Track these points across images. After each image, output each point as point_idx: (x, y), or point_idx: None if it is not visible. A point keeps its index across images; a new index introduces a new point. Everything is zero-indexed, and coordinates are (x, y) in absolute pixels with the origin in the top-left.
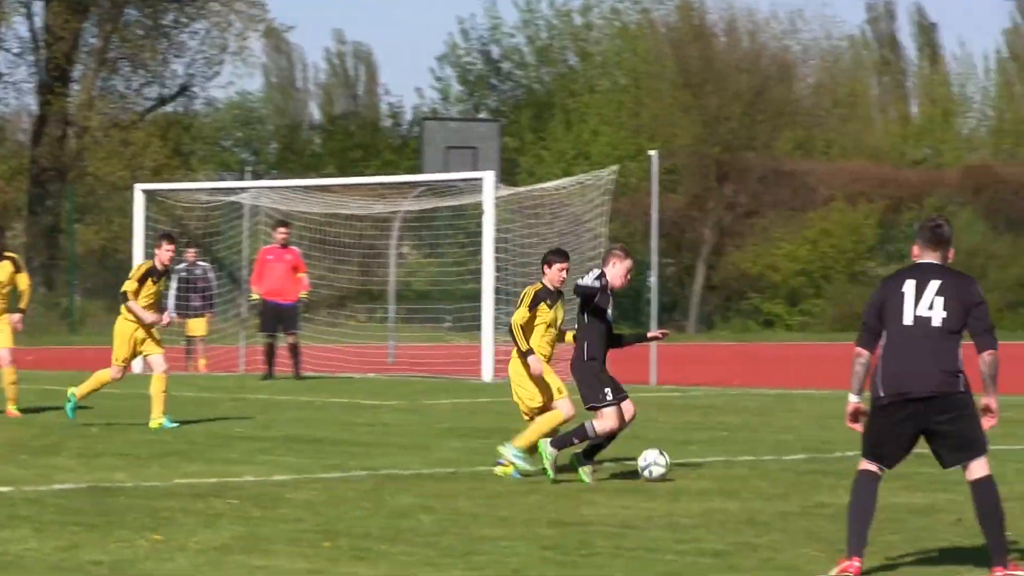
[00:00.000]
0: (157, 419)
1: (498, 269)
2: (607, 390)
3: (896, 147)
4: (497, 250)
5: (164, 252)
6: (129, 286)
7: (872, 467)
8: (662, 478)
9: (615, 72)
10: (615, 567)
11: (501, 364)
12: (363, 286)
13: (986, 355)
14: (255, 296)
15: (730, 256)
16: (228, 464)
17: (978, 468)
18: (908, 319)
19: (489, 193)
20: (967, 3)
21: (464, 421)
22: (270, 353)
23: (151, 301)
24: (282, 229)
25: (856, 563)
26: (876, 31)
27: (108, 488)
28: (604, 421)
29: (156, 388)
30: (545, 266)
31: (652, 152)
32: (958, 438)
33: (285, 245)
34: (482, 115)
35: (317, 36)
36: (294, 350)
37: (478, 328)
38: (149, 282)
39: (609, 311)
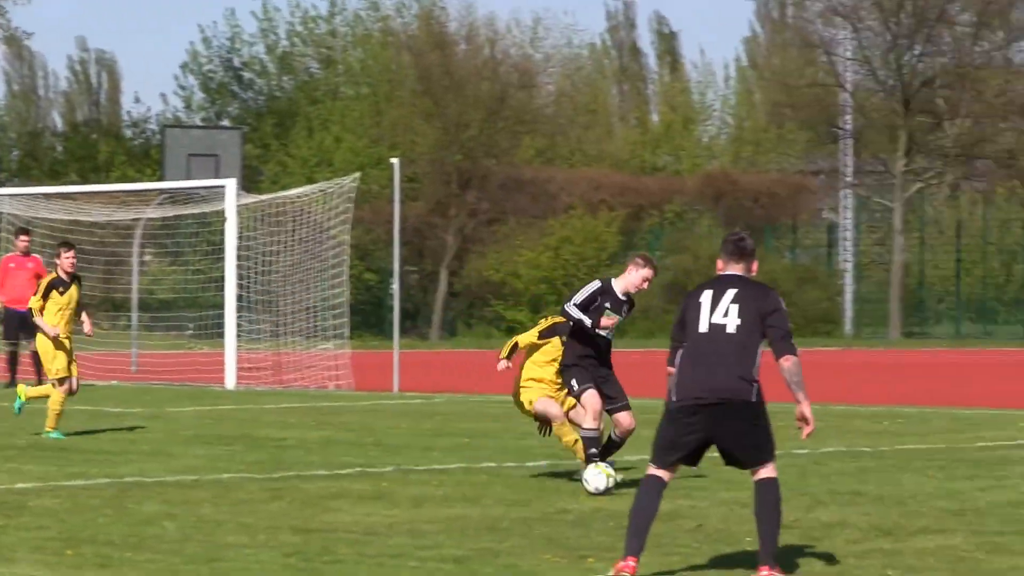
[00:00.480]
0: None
1: (240, 277)
2: (572, 380)
3: (637, 155)
4: (240, 258)
5: (65, 260)
6: (34, 303)
7: (659, 472)
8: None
9: (357, 80)
10: (358, 574)
11: (244, 372)
12: (106, 294)
13: (783, 361)
14: None
15: (473, 263)
16: None
17: (765, 471)
18: (703, 327)
19: (231, 201)
20: (707, 12)
21: (208, 428)
22: (12, 361)
23: (67, 313)
24: (23, 237)
25: (631, 563)
26: (616, 39)
27: None
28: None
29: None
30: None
31: (394, 160)
32: (749, 446)
33: (27, 253)
34: (224, 123)
35: (59, 43)
36: (36, 357)
37: (221, 335)
38: (55, 294)
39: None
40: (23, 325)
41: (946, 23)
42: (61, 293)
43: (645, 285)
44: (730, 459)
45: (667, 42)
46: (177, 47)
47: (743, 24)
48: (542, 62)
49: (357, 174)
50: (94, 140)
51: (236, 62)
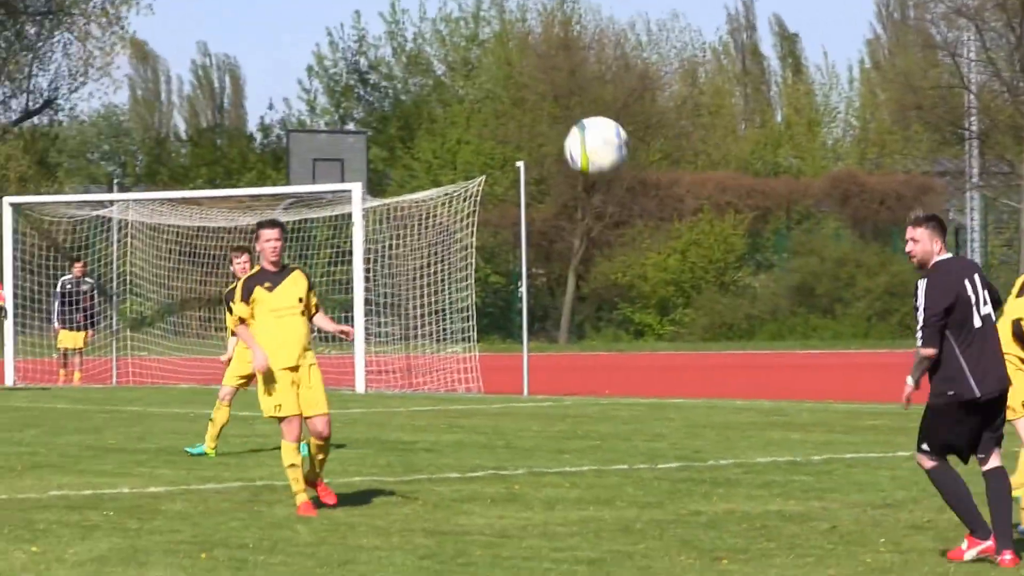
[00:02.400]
0: None
1: (368, 280)
2: None
3: (761, 156)
4: (367, 261)
5: (237, 264)
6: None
7: (939, 461)
8: None
9: (483, 83)
10: None
11: (373, 375)
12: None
13: None
14: None
15: (600, 266)
16: (103, 476)
17: (995, 459)
18: (978, 319)
19: (357, 204)
20: (827, 13)
21: (338, 432)
22: None
23: None
24: None
25: (1008, 555)
26: (737, 42)
27: None
28: None
29: None
30: None
31: (519, 162)
32: (996, 431)
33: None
34: (349, 127)
35: (182, 49)
36: None
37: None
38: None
39: None
40: None
41: None
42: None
43: None
44: (981, 444)
45: (788, 44)
46: (298, 51)
47: (864, 25)
48: (664, 65)
49: (482, 177)
50: (221, 145)
51: (362, 65)
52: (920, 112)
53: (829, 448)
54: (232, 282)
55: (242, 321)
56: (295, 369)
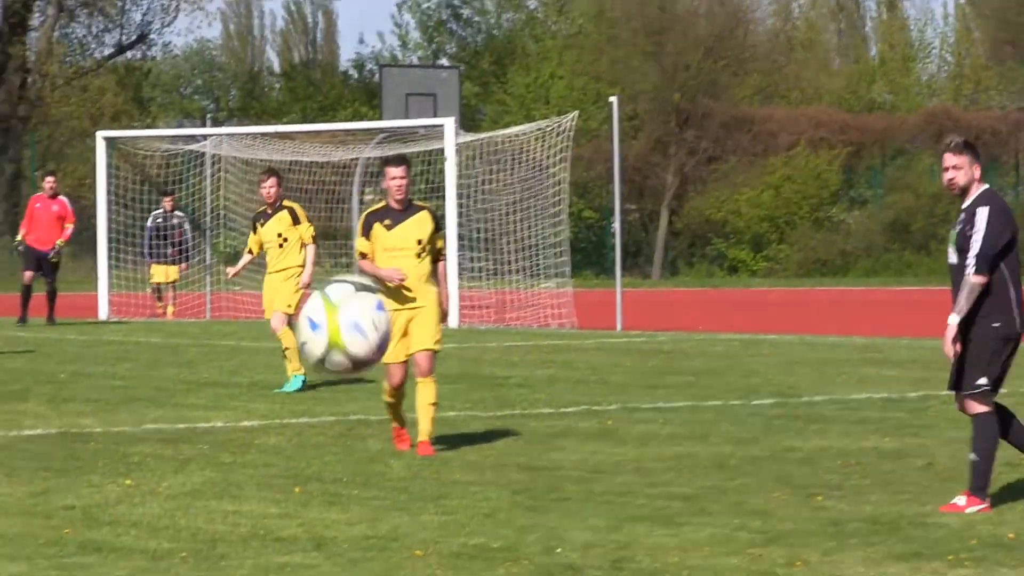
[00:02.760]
0: None
1: (461, 216)
2: None
3: (855, 91)
4: (460, 197)
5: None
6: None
7: (991, 404)
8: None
9: (576, 18)
10: (586, 512)
11: (467, 310)
12: (325, 233)
13: None
14: (20, 239)
15: (693, 202)
16: (197, 410)
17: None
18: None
19: (450, 140)
20: None
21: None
22: (26, 296)
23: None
24: (50, 179)
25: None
26: None
27: (77, 434)
28: None
29: None
30: None
31: (612, 98)
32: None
33: (54, 195)
34: (442, 62)
35: None
36: (51, 295)
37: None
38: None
39: None
40: (40, 265)
41: None
42: (261, 225)
43: None
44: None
45: None
46: None
47: None
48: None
49: (575, 112)
50: (314, 80)
51: None
52: (1016, 48)
53: (925, 385)
54: (261, 206)
55: (363, 256)
56: (406, 311)
